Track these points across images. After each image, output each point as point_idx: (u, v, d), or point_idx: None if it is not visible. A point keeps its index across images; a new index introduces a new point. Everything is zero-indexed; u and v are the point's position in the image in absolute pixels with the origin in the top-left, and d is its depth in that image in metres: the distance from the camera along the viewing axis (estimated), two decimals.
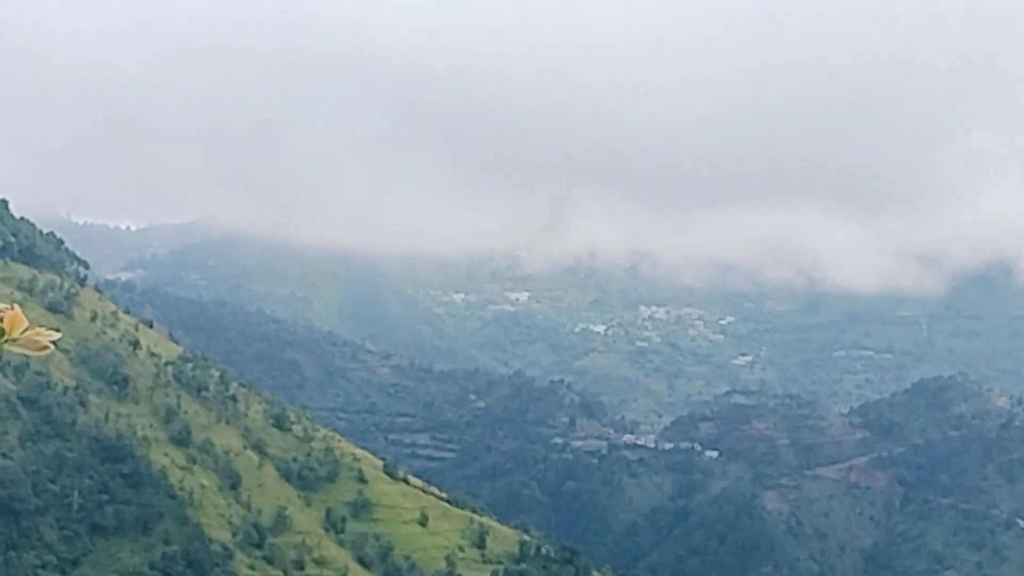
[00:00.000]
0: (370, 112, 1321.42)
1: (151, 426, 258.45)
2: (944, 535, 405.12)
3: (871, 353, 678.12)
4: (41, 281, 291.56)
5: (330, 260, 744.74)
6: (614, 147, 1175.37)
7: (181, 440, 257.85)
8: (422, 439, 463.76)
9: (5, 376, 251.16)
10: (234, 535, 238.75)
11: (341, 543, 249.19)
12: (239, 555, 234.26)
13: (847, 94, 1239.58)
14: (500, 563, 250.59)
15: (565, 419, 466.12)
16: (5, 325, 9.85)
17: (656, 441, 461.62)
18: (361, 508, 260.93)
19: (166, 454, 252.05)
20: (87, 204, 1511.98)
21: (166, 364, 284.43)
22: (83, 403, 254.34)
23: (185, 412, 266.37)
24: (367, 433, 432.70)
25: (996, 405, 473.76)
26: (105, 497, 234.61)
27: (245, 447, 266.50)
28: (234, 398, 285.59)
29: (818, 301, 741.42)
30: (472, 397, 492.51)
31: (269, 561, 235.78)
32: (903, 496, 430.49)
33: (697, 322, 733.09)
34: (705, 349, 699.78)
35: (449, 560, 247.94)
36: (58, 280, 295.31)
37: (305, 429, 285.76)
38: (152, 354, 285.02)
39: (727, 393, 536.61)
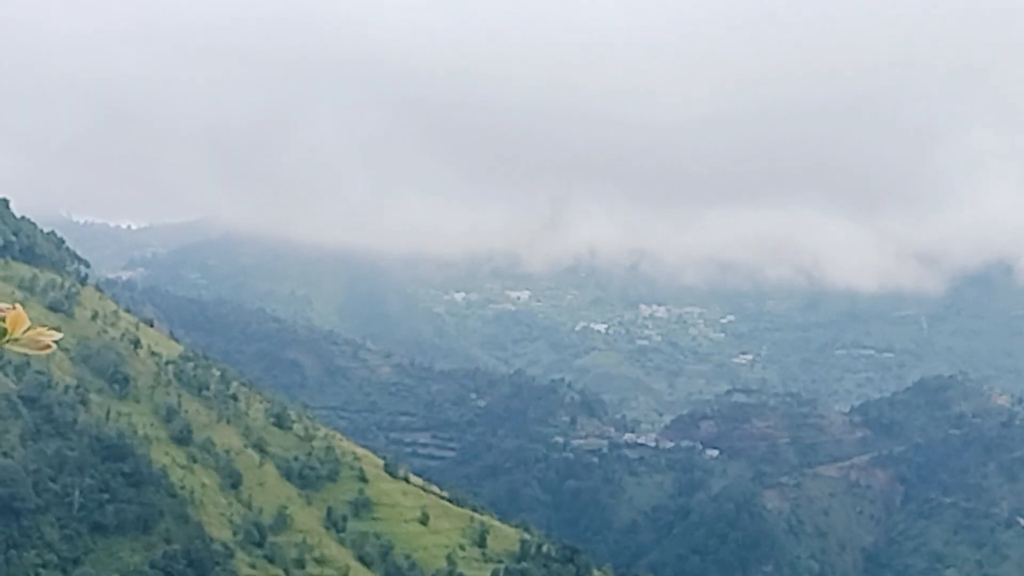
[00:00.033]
0: (371, 112, 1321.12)
1: (152, 425, 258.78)
2: (945, 534, 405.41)
3: (871, 352, 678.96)
4: (42, 280, 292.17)
5: (331, 259, 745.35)
6: (614, 147, 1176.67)
7: (182, 439, 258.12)
8: (423, 438, 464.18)
9: (6, 375, 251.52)
10: (235, 534, 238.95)
11: (342, 542, 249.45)
12: (240, 554, 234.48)
13: (847, 94, 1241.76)
14: (501, 562, 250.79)
15: (566, 418, 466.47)
16: (7, 325, 9.84)
17: (657, 440, 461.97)
18: (362, 507, 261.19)
19: (167, 453, 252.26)
20: (88, 203, 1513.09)
21: (167, 363, 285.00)
22: (84, 402, 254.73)
23: (186, 411, 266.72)
24: (368, 432, 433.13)
25: (996, 404, 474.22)
26: (106, 496, 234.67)
27: (246, 446, 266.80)
28: (235, 397, 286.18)
29: (818, 300, 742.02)
30: (473, 396, 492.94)
31: (270, 560, 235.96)
32: (903, 495, 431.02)
33: (698, 321, 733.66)
34: (705, 348, 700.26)
35: (450, 559, 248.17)
36: (59, 279, 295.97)
37: (306, 428, 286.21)
38: (153, 353, 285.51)
39: (728, 392, 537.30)
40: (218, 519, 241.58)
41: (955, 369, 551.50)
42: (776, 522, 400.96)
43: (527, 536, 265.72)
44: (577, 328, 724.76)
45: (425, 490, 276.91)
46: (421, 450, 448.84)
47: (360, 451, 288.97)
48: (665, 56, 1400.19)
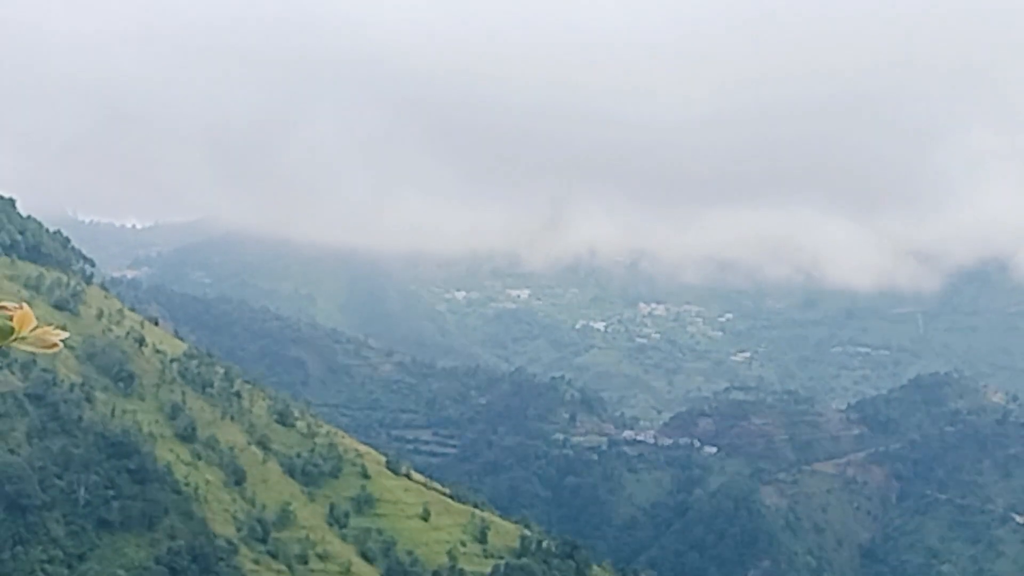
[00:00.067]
0: (372, 112, 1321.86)
1: (156, 422, 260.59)
2: (940, 530, 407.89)
3: (868, 349, 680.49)
4: (48, 279, 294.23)
5: (333, 258, 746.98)
6: (614, 147, 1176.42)
7: (186, 436, 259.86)
8: (424, 435, 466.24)
9: (12, 373, 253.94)
10: (239, 530, 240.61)
11: (344, 538, 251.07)
12: (244, 550, 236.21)
13: (847, 94, 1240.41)
14: (501, 557, 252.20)
15: (566, 415, 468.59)
16: (14, 324, 9.82)
17: (655, 437, 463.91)
18: (364, 503, 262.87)
19: (171, 450, 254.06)
20: (93, 203, 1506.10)
21: (171, 361, 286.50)
22: (89, 400, 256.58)
23: (190, 408, 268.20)
24: (370, 429, 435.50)
25: (992, 401, 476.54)
26: (111, 493, 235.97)
27: (249, 443, 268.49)
28: (238, 394, 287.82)
29: (816, 298, 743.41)
30: (474, 393, 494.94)
31: (273, 556, 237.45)
32: (899, 491, 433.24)
33: (696, 319, 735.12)
34: (704, 346, 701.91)
35: (451, 554, 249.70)
36: (64, 278, 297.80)
37: (309, 425, 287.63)
38: (157, 351, 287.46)
39: (726, 389, 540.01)
40: (222, 515, 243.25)
41: (951, 366, 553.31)
42: (774, 518, 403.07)
43: (527, 532, 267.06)
44: (577, 326, 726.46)
45: (426, 486, 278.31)
46: (423, 447, 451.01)
47: (362, 448, 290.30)
48: (665, 56, 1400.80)
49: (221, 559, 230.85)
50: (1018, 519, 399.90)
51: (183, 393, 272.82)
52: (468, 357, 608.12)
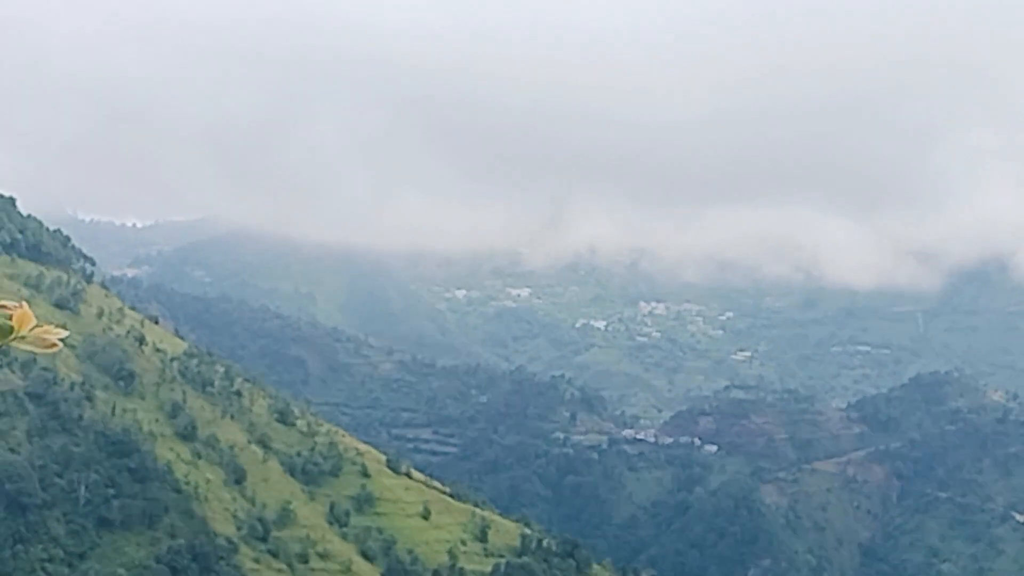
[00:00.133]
0: (372, 111, 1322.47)
1: (157, 421, 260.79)
2: (940, 528, 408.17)
3: (868, 348, 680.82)
4: (48, 278, 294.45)
5: (333, 257, 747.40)
6: (614, 146, 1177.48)
7: (186, 435, 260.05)
8: (425, 434, 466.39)
9: (12, 372, 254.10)
10: (239, 529, 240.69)
11: (345, 537, 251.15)
12: (244, 549, 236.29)
13: (847, 94, 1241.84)
14: (502, 556, 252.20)
15: (566, 414, 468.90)
16: (14, 323, 9.83)
17: (656, 435, 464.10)
18: (364, 502, 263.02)
19: (172, 449, 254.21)
20: (93, 201, 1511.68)
21: (172, 360, 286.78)
22: (90, 398, 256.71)
23: (190, 407, 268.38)
24: (370, 428, 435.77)
25: (992, 400, 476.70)
26: (111, 491, 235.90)
27: (250, 442, 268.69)
28: (239, 393, 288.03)
29: (816, 297, 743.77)
30: (474, 392, 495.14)
31: (274, 555, 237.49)
32: (900, 490, 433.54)
33: (696, 318, 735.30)
34: (704, 344, 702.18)
35: (451, 553, 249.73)
36: (65, 277, 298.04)
37: (309, 424, 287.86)
38: (158, 350, 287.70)
39: (726, 388, 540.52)
40: (222, 514, 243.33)
41: (951, 365, 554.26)
42: (774, 517, 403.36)
43: (528, 531, 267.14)
44: (577, 325, 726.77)
45: (427, 485, 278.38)
46: (423, 446, 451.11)
47: (363, 447, 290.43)
48: (665, 56, 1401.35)
49: (221, 558, 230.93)
50: (1018, 518, 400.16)
51: (183, 392, 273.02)
52: (468, 356, 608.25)
